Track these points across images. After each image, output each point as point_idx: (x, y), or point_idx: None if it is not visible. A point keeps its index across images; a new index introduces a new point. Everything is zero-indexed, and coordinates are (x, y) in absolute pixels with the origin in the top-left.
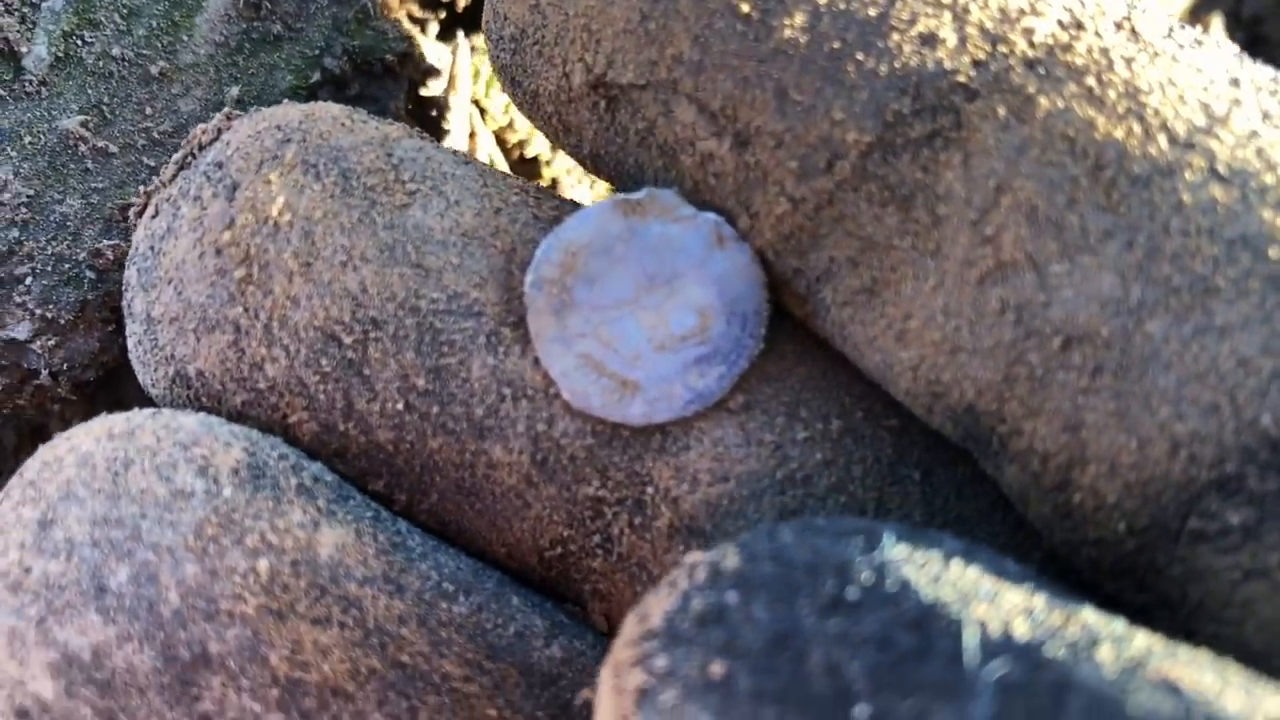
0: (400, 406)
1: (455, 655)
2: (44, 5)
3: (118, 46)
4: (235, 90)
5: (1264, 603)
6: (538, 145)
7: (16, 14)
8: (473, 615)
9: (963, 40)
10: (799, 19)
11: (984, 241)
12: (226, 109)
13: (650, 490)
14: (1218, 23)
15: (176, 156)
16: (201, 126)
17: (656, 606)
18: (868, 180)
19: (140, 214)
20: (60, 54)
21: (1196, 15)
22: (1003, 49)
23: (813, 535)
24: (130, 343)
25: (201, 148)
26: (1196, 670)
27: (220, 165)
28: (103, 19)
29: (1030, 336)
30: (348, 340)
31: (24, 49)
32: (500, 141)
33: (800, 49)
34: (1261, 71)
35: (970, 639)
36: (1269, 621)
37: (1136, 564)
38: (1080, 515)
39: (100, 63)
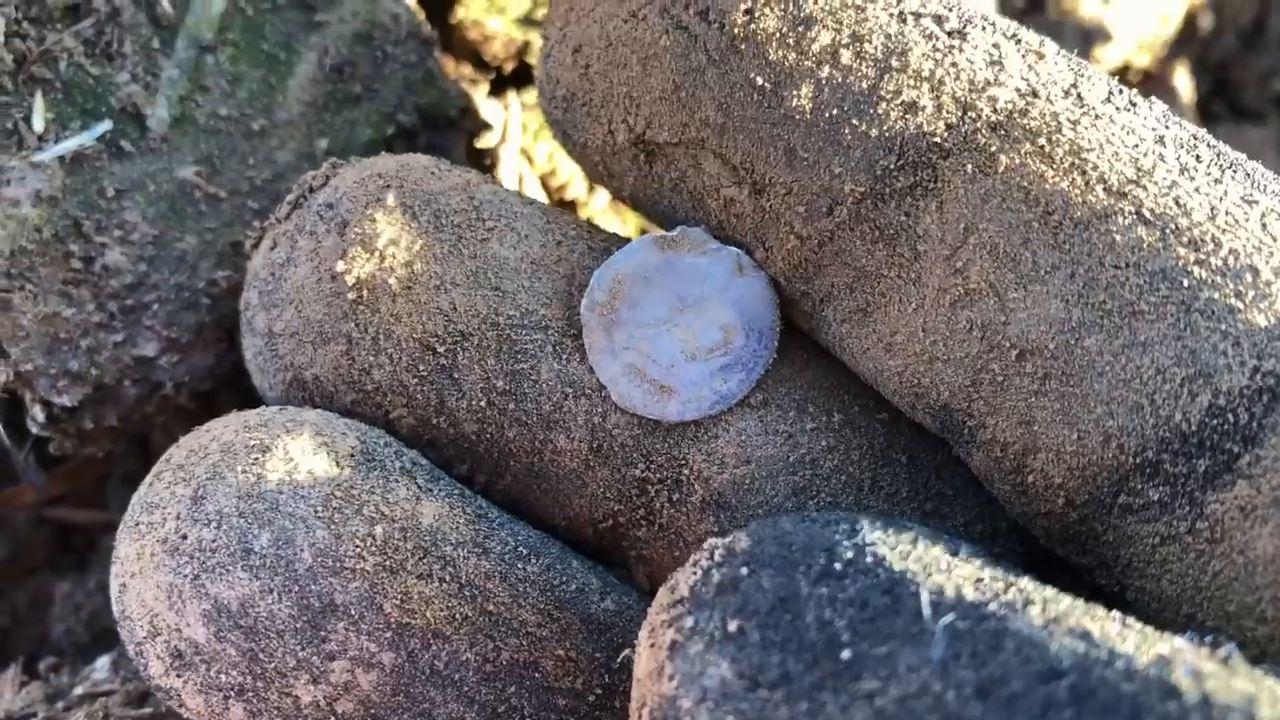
0: (483, 404)
1: (530, 605)
2: (164, 74)
3: (224, 107)
4: (324, 143)
5: (1176, 561)
6: (576, 189)
7: (141, 82)
8: (543, 574)
9: (939, 107)
10: (805, 91)
11: (955, 273)
12: (333, 159)
13: (686, 471)
14: (1184, 68)
15: (291, 197)
16: (312, 173)
17: (683, 580)
18: (861, 222)
19: (256, 245)
20: (177, 115)
21: (1166, 61)
22: (971, 114)
23: (807, 523)
24: (249, 354)
25: (312, 190)
26: (1106, 623)
27: (331, 206)
28: (211, 84)
29: (992, 350)
30: (441, 350)
31: (148, 111)
32: (544, 185)
33: (806, 115)
34: (1184, 130)
35: (926, 598)
36: (1179, 575)
37: (1079, 532)
38: (1033, 493)
39: (210, 121)
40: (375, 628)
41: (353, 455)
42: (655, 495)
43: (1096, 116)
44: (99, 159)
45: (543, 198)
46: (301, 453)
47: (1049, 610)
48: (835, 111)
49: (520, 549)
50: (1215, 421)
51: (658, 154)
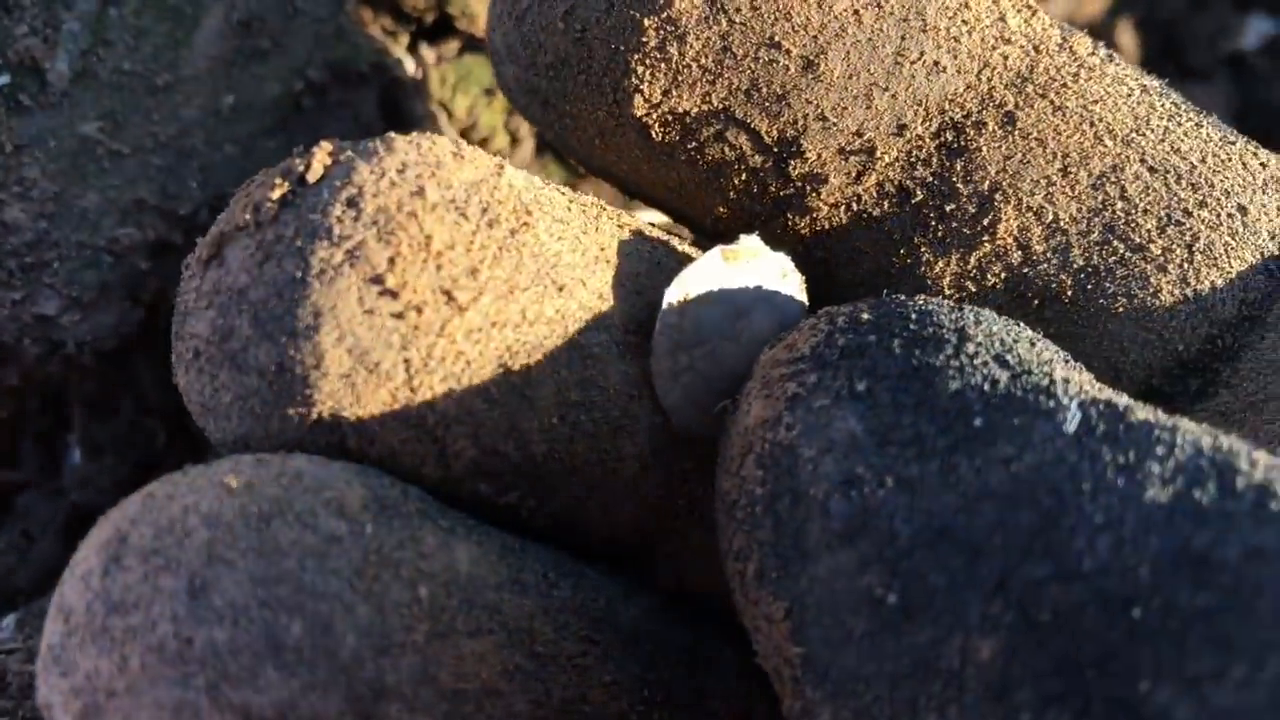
0: (555, 420)
1: (572, 635)
2: (64, 27)
3: (128, 62)
4: (230, 99)
5: None
6: (498, 144)
7: (40, 35)
8: (575, 596)
9: (959, 68)
10: (835, 53)
11: (981, 230)
12: (322, 143)
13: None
14: (1129, 25)
15: (274, 194)
16: (299, 160)
17: (803, 341)
18: (890, 184)
19: (214, 257)
20: (79, 69)
21: (1112, 17)
22: (987, 72)
23: (932, 307)
24: (227, 397)
25: (304, 183)
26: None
27: (353, 203)
28: (114, 38)
29: (1016, 299)
30: (516, 366)
31: (48, 65)
32: (464, 139)
33: (835, 79)
34: (1152, 80)
35: (1059, 374)
36: None
37: None
38: None
39: (113, 76)
40: (430, 703)
41: (367, 507)
42: (696, 484)
43: (1090, 69)
44: None
45: None
46: (313, 515)
47: (1161, 416)
48: (865, 75)
49: (549, 574)
50: (1209, 346)
51: (672, 125)
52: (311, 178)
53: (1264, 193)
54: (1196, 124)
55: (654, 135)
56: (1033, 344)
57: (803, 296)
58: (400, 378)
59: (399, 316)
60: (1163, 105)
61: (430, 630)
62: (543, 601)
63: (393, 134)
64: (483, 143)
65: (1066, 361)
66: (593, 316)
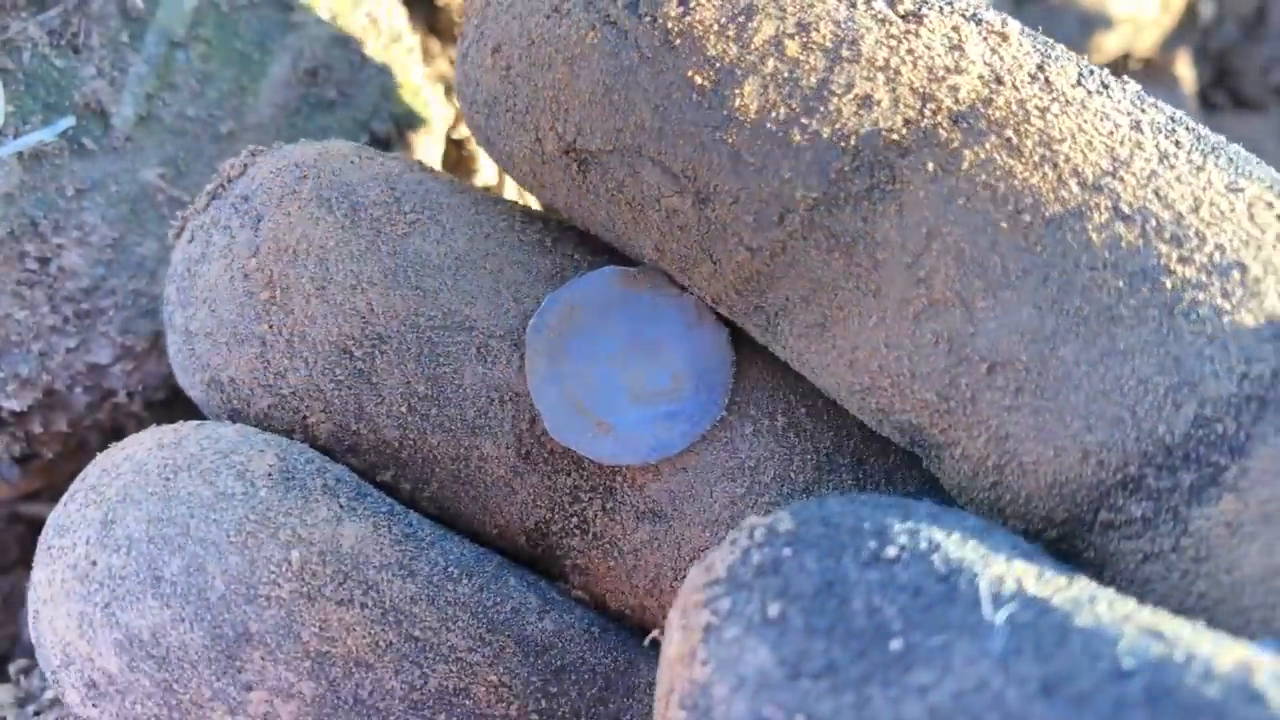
0: (404, 409)
1: (460, 629)
2: (131, 70)
3: (193, 107)
4: None
5: (1160, 580)
6: None
7: (107, 77)
8: (475, 595)
9: (895, 101)
10: (749, 88)
11: (918, 282)
12: (252, 146)
13: (619, 479)
14: (1185, 57)
15: (209, 187)
16: (230, 161)
17: (719, 560)
18: (815, 230)
19: (178, 236)
20: (143, 113)
21: (1166, 50)
22: (930, 106)
23: (856, 505)
24: (170, 350)
25: (230, 180)
26: (1177, 624)
27: (246, 199)
28: (180, 82)
29: (960, 363)
30: (358, 353)
31: (113, 109)
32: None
33: (751, 115)
34: (1160, 112)
35: (986, 587)
36: (1163, 595)
37: (1059, 549)
38: (1010, 510)
39: (177, 121)
40: (293, 657)
41: (270, 475)
42: (588, 503)
43: (1067, 102)
44: (59, 156)
45: (529, 196)
46: (216, 473)
47: (1116, 608)
48: (783, 111)
49: (451, 569)
50: (1201, 432)
51: (591, 162)
52: (233, 175)
53: (1274, 248)
54: (1197, 167)
55: (574, 173)
56: (967, 537)
57: (726, 349)
58: (255, 349)
59: (253, 296)
60: (1156, 144)
61: (295, 589)
62: (431, 591)
63: (304, 140)
64: None
65: (1013, 549)
66: (452, 319)
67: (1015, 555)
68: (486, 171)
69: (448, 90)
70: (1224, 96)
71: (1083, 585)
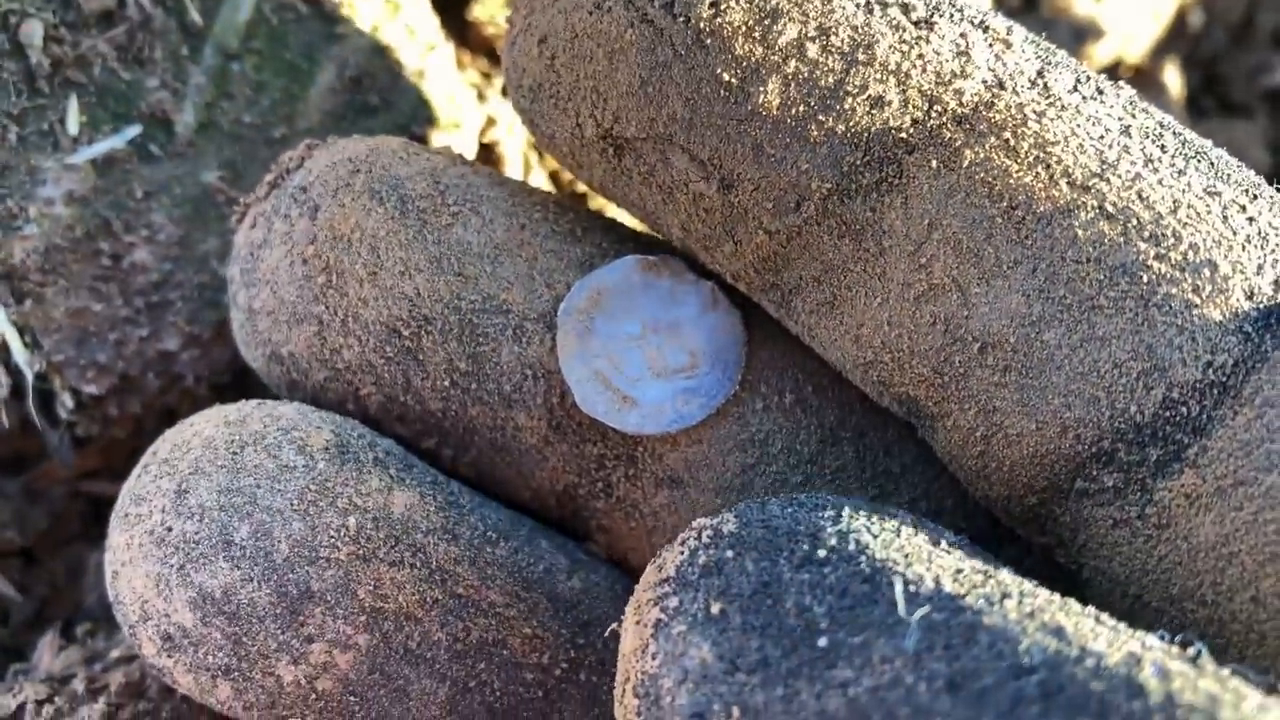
0: (447, 383)
1: (498, 587)
2: (191, 81)
3: (248, 114)
4: None
5: (1126, 544)
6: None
7: (170, 88)
8: (511, 556)
9: (905, 102)
10: (772, 86)
11: (919, 268)
12: (309, 140)
13: (640, 449)
14: (1174, 64)
15: (269, 177)
16: (288, 153)
17: (670, 560)
18: (828, 218)
19: (240, 221)
20: (203, 120)
21: (1156, 57)
22: (936, 108)
23: (793, 507)
24: (234, 326)
25: (289, 171)
26: (1080, 619)
27: (304, 189)
28: (236, 91)
29: (955, 343)
30: (406, 333)
31: (176, 116)
32: (554, 180)
33: (773, 111)
34: (1150, 118)
35: (900, 589)
36: (1128, 558)
37: (1038, 514)
38: (995, 477)
39: (234, 127)
40: (350, 612)
41: (327, 449)
42: (612, 470)
43: (1063, 107)
44: (128, 162)
45: (550, 189)
46: (278, 447)
47: (1024, 605)
48: (802, 108)
49: (489, 533)
50: (1168, 413)
51: (626, 148)
52: (292, 166)
53: (1243, 249)
54: (1179, 171)
55: (610, 157)
56: (893, 538)
57: (738, 329)
58: (313, 328)
59: (311, 280)
60: (1142, 149)
61: (352, 552)
62: (472, 553)
63: (358, 135)
64: (571, 181)
65: (940, 545)
66: (491, 303)
67: (940, 552)
68: (512, 171)
69: (479, 96)
70: (1212, 102)
71: (998, 582)
